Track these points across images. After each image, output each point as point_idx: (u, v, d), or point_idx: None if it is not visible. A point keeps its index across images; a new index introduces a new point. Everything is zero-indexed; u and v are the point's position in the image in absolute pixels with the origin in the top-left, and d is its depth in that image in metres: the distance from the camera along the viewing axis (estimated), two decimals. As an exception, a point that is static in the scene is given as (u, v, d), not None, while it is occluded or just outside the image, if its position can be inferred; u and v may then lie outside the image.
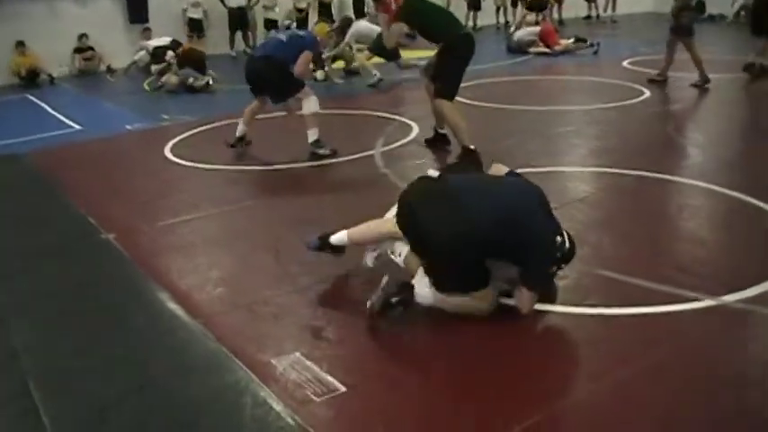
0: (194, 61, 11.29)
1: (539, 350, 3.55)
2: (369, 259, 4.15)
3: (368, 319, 3.66)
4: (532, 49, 14.09)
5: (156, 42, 12.95)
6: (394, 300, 3.66)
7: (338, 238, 4.16)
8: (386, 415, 3.02)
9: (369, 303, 3.64)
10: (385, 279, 3.70)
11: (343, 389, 3.14)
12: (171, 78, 11.22)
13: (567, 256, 3.81)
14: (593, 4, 19.92)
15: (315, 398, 3.08)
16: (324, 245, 4.19)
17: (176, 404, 3.14)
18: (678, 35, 10.08)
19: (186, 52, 11.56)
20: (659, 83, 10.18)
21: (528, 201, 3.74)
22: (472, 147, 6.36)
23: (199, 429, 2.97)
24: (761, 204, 5.18)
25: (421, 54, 10.21)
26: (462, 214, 3.58)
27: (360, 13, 15.80)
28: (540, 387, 3.19)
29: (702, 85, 9.89)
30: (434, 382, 3.30)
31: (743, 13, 17.04)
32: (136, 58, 13.61)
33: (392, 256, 4.01)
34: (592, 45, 13.91)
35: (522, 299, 3.69)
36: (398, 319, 3.69)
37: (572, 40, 14.24)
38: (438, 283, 3.68)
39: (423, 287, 3.71)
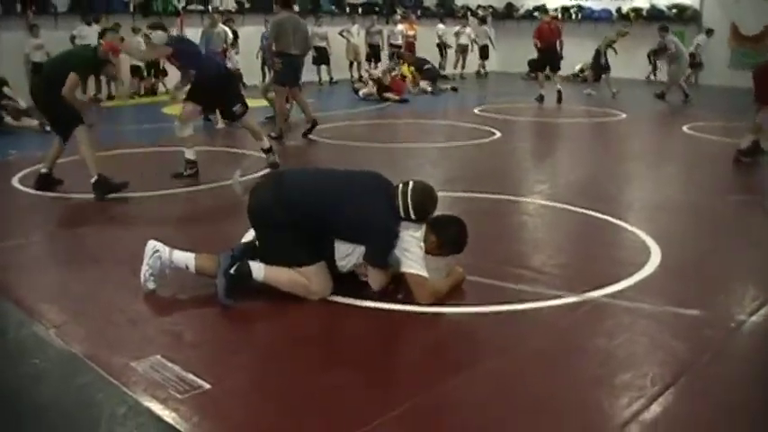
0: None
1: (414, 343, 3.65)
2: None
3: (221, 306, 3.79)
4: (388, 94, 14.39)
5: None
6: (233, 271, 3.83)
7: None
8: (252, 408, 2.97)
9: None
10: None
11: (207, 386, 3.05)
12: None
13: (449, 240, 4.03)
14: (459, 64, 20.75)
15: (178, 395, 2.97)
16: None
17: (26, 401, 2.97)
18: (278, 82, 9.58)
19: None
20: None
21: (361, 182, 4.08)
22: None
23: (53, 424, 2.82)
24: (606, 217, 5.62)
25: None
26: (281, 186, 4.06)
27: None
28: (416, 375, 3.25)
29: (311, 130, 9.48)
30: (301, 373, 3.26)
31: (584, 71, 18.15)
32: None
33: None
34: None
35: (371, 276, 3.98)
36: (260, 315, 3.82)
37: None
38: (263, 255, 3.93)
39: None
